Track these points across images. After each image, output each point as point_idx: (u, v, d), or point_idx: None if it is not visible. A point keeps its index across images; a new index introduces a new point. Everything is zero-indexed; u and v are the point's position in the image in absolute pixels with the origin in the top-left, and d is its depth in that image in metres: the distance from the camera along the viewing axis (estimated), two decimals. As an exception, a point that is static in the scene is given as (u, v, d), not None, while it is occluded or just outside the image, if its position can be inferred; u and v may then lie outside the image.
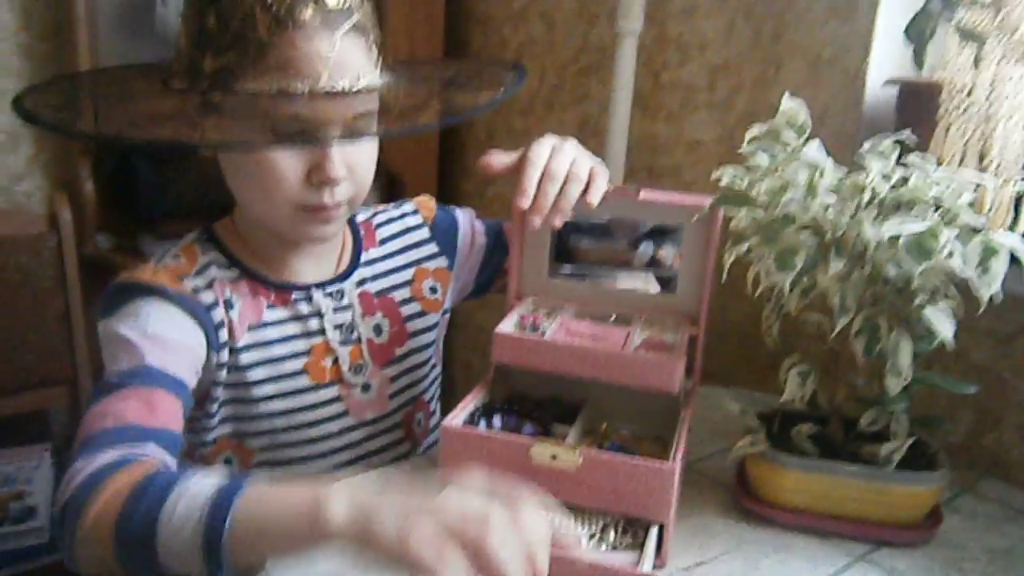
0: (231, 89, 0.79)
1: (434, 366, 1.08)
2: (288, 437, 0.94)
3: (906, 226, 0.71)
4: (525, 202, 0.84)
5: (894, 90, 1.06)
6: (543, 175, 0.85)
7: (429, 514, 0.55)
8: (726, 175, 0.81)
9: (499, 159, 0.89)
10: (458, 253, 1.08)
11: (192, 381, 0.85)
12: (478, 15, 1.64)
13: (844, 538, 0.82)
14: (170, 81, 0.84)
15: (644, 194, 0.88)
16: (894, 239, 0.72)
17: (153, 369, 0.80)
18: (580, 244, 1.13)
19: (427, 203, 1.10)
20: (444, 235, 1.07)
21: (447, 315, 1.09)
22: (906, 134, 0.78)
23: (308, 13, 0.78)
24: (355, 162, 0.86)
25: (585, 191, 0.86)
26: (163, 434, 0.76)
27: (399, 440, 1.03)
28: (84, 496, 0.67)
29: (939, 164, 0.79)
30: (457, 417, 0.82)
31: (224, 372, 0.89)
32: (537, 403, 0.93)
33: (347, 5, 0.80)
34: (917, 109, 0.97)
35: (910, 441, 0.80)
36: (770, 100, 0.78)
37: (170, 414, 0.79)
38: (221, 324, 0.88)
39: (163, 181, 1.75)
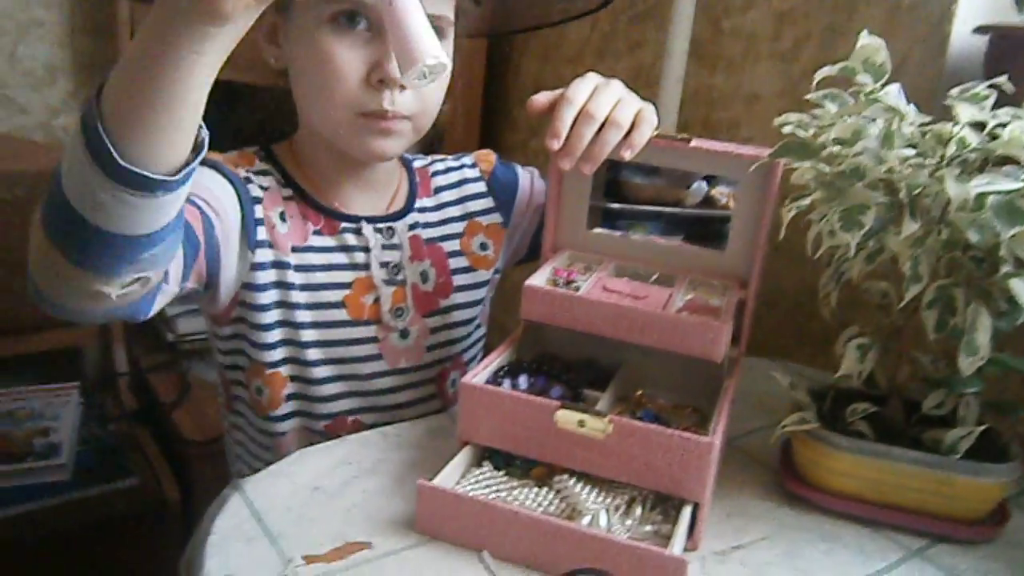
0: None
1: (478, 326, 1.04)
2: (319, 372, 0.91)
3: (996, 184, 0.62)
4: (556, 143, 0.77)
5: (984, 39, 0.95)
6: (580, 115, 0.77)
7: None
8: (789, 123, 0.72)
9: (542, 98, 0.82)
10: (515, 212, 1.03)
11: (219, 231, 0.79)
12: (529, -44, 1.55)
13: (898, 530, 0.74)
14: None
15: (696, 143, 0.80)
16: (981, 199, 0.63)
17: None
18: (631, 179, 1.07)
19: (487, 157, 1.06)
20: (502, 191, 1.03)
21: (498, 275, 1.05)
22: (1002, 80, 0.68)
23: None
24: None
25: (627, 137, 0.78)
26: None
27: (430, 396, 0.98)
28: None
29: (1035, 119, 0.70)
30: (479, 375, 0.76)
31: (267, 282, 0.86)
32: (569, 365, 0.86)
33: None
34: (1012, 58, 0.87)
35: (980, 429, 0.72)
36: (840, 51, 0.69)
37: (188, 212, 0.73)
38: (261, 221, 0.85)
39: (220, 115, 1.71)
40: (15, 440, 1.48)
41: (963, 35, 0.99)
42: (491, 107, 1.72)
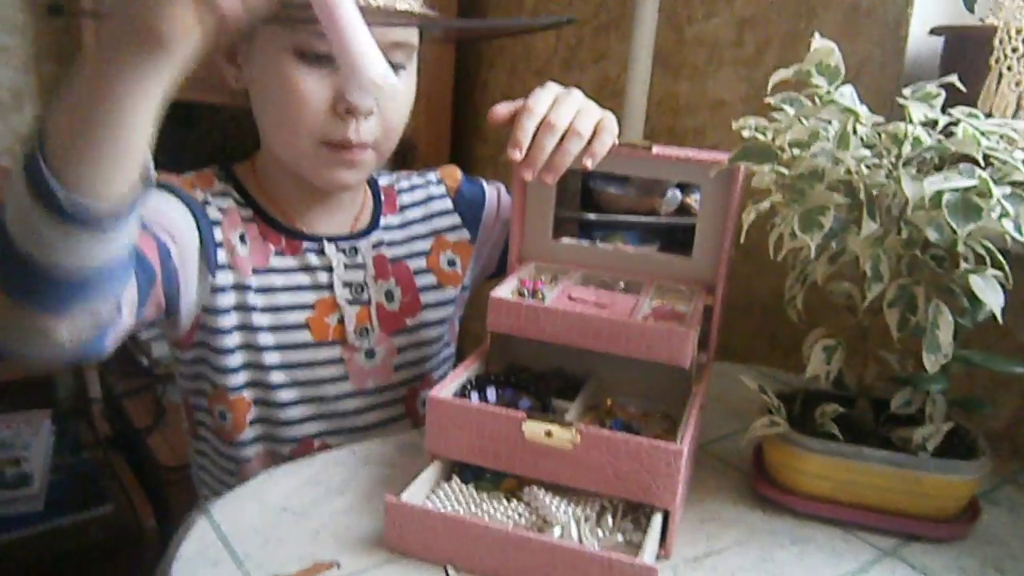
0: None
1: (447, 344, 1.03)
2: (284, 395, 0.90)
3: (951, 182, 0.63)
4: (517, 154, 0.77)
5: (939, 41, 0.96)
6: (541, 125, 0.77)
7: None
8: (748, 127, 0.73)
9: (503, 108, 0.82)
10: (482, 228, 1.03)
11: (176, 257, 0.77)
12: (494, -29, 1.56)
13: (870, 531, 0.74)
14: None
15: (657, 150, 0.80)
16: (936, 197, 0.64)
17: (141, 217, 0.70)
18: (606, 189, 1.07)
19: (453, 173, 1.05)
20: (468, 207, 1.02)
21: (466, 292, 1.04)
22: (952, 78, 0.69)
23: None
24: (385, 105, 0.82)
25: (588, 146, 0.78)
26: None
27: (399, 416, 0.97)
28: None
29: (988, 116, 0.70)
30: (446, 388, 0.75)
31: (228, 305, 0.85)
32: (538, 376, 0.86)
33: None
34: (966, 59, 0.87)
35: (948, 426, 0.72)
36: (801, 55, 0.70)
37: (145, 243, 0.72)
38: (220, 244, 0.84)
39: (166, 136, 1.70)
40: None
41: (920, 37, 1.00)
42: (460, 120, 1.72)
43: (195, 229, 0.81)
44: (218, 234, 0.84)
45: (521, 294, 0.80)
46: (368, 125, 0.81)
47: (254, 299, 0.86)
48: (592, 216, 1.18)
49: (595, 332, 0.74)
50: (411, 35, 0.82)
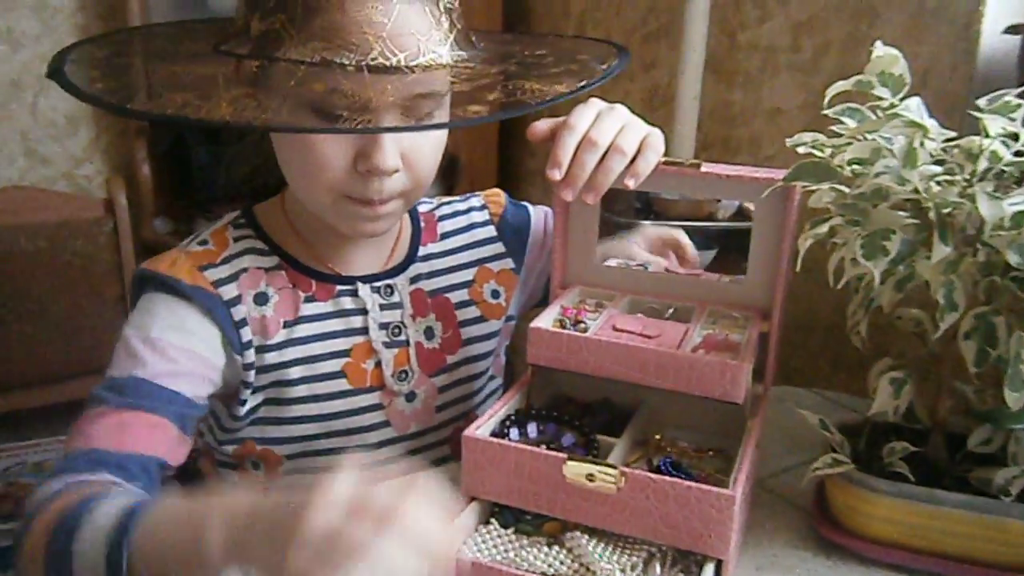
0: (272, 56, 0.70)
1: (492, 378, 0.98)
2: (321, 444, 0.85)
3: (1034, 202, 0.57)
4: (557, 173, 0.72)
5: (1015, 40, 0.89)
6: (581, 143, 0.72)
7: (298, 546, 0.50)
8: (803, 143, 0.67)
9: (543, 125, 0.77)
10: (527, 255, 0.97)
11: (197, 390, 0.77)
12: (540, -21, 1.52)
13: (947, 581, 0.68)
14: (222, 44, 0.75)
15: (707, 168, 0.75)
16: (1018, 218, 0.58)
17: (142, 383, 0.74)
18: (660, 195, 1.03)
19: (497, 198, 0.99)
20: (513, 234, 0.97)
21: (512, 323, 0.98)
22: (1036, 86, 0.63)
23: None
24: (412, 151, 0.75)
25: (631, 165, 0.73)
26: (127, 459, 0.71)
27: (445, 458, 0.92)
28: (22, 530, 0.66)
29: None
30: (483, 425, 0.72)
31: (253, 373, 0.81)
32: (584, 407, 0.82)
33: None
34: (1045, 61, 0.80)
35: (1034, 467, 0.66)
36: (862, 60, 0.64)
37: (143, 437, 0.73)
38: (243, 322, 0.80)
39: (217, 162, 1.72)
40: (41, 493, 1.47)
41: (993, 36, 0.93)
42: (508, 134, 1.69)
43: (215, 334, 0.79)
44: (238, 313, 0.80)
45: (563, 324, 0.76)
46: (393, 181, 0.75)
47: (283, 356, 0.82)
48: (649, 223, 1.14)
49: (641, 365, 0.70)
50: (439, 83, 0.74)
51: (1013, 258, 0.60)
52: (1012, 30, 0.89)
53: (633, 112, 0.77)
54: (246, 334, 0.80)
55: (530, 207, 1.01)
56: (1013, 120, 0.60)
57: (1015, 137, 0.60)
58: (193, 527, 0.57)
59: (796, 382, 1.12)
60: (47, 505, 0.65)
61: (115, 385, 0.74)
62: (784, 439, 0.88)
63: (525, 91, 0.78)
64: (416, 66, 0.70)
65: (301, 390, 0.83)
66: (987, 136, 0.59)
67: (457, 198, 0.99)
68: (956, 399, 0.71)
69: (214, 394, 0.81)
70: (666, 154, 0.77)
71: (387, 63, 0.69)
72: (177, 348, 0.76)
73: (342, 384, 0.84)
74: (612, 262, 0.86)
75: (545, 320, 0.76)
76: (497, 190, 1.01)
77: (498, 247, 0.96)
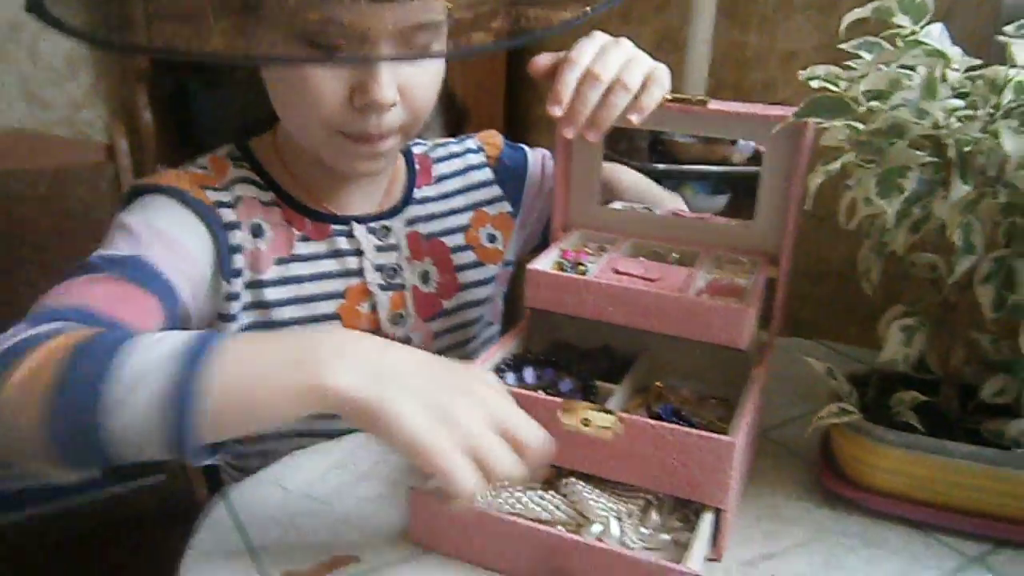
0: None
1: (489, 324, 0.97)
2: None
3: (1061, 136, 0.53)
4: (558, 109, 0.69)
5: (1046, -26, 0.84)
6: (584, 77, 0.69)
7: (456, 419, 0.51)
8: (816, 76, 0.64)
9: (544, 59, 0.74)
10: (524, 198, 0.95)
11: (187, 293, 0.73)
12: (549, -83, 1.47)
13: (954, 535, 0.66)
14: None
15: (714, 105, 0.72)
16: (1043, 154, 0.54)
17: (146, 263, 0.70)
18: (674, 137, 1.00)
19: (493, 140, 0.97)
20: (510, 177, 0.95)
21: (509, 268, 0.97)
22: (1067, 12, 0.59)
23: None
24: (410, 84, 0.73)
25: (635, 101, 0.70)
26: (122, 328, 0.63)
27: None
28: (7, 361, 0.54)
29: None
30: (478, 368, 0.70)
31: (238, 307, 0.79)
32: (583, 354, 0.79)
33: None
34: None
35: (1049, 418, 0.63)
36: (883, -2, 0.60)
37: (142, 313, 0.67)
38: (238, 249, 0.78)
39: (218, 105, 1.68)
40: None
41: (1023, -29, 0.88)
42: (515, 79, 1.64)
43: (211, 243, 0.76)
44: (233, 238, 0.78)
45: (562, 266, 0.74)
46: (390, 115, 0.73)
47: (275, 293, 0.80)
48: (661, 166, 1.11)
49: (642, 309, 0.67)
50: (437, 13, 0.71)
51: (1037, 198, 0.57)
52: (1043, -38, 0.84)
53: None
54: (237, 261, 0.78)
55: (527, 149, 0.98)
56: (1042, 46, 0.56)
57: (1043, 66, 0.56)
58: (304, 364, 0.52)
59: (805, 334, 1.09)
60: (48, 339, 0.55)
61: (115, 260, 0.69)
62: (790, 389, 0.85)
63: (529, 18, 0.75)
64: None
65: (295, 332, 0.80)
66: (1013, 66, 0.55)
67: (452, 140, 0.96)
68: (970, 349, 0.69)
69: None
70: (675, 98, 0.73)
71: None
72: (179, 243, 0.74)
73: (336, 327, 0.82)
74: (616, 204, 0.83)
75: (544, 262, 0.73)
76: (493, 131, 0.99)
77: (494, 190, 0.94)
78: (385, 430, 0.51)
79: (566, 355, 0.78)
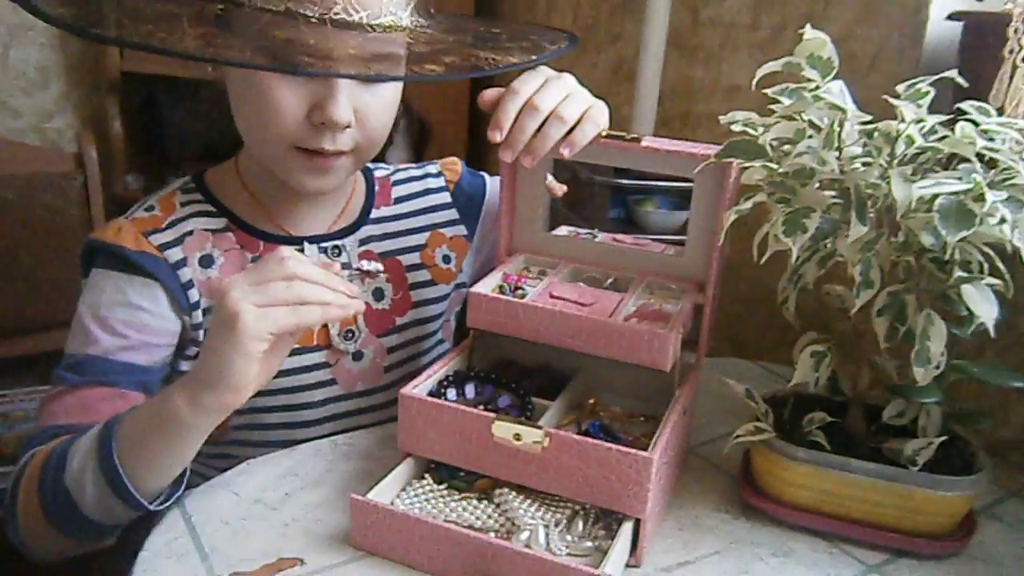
0: (237, 1, 0.71)
1: (441, 341, 1.00)
2: (266, 401, 0.86)
3: (943, 186, 0.59)
4: (498, 135, 0.75)
5: (959, 27, 0.91)
6: (524, 107, 0.75)
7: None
8: (736, 121, 0.69)
9: (491, 93, 0.79)
10: (481, 223, 0.99)
11: (162, 354, 0.81)
12: (513, -52, 1.52)
13: (857, 545, 0.72)
14: None
15: (647, 142, 0.77)
16: (930, 200, 0.60)
17: (96, 360, 0.78)
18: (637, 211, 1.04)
19: (453, 166, 1.01)
20: (467, 201, 0.99)
21: (463, 289, 1.00)
22: (952, 73, 0.65)
23: None
24: (365, 109, 0.77)
25: (569, 134, 0.76)
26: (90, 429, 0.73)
27: (394, 417, 0.94)
28: (15, 492, 0.72)
29: (1000, 113, 0.66)
30: (421, 384, 0.74)
31: (202, 333, 0.82)
32: (523, 372, 0.84)
33: None
34: (984, 47, 0.82)
35: (939, 440, 0.69)
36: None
37: (104, 409, 0.75)
38: (190, 284, 0.82)
39: (187, 118, 1.71)
40: (7, 443, 1.49)
41: (939, 22, 0.94)
42: (478, 105, 1.69)
43: (164, 300, 0.81)
44: (184, 275, 0.82)
45: (502, 289, 0.79)
46: (345, 136, 0.77)
47: None
48: (625, 181, 1.15)
49: (574, 331, 0.72)
50: (397, 45, 0.75)
51: (926, 239, 0.62)
52: (954, 17, 0.91)
53: (599, 84, 0.79)
54: (193, 295, 0.82)
55: (487, 177, 1.02)
56: (920, 107, 0.62)
57: (923, 123, 0.62)
58: (159, 399, 0.67)
59: (746, 354, 1.14)
60: (24, 471, 0.72)
61: (72, 364, 0.78)
62: (722, 408, 0.91)
63: (480, 59, 0.80)
64: (377, 25, 0.72)
65: None
66: (902, 121, 0.61)
67: (414, 165, 1.00)
68: (877, 373, 0.74)
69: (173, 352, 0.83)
70: (627, 128, 0.79)
71: (349, 18, 0.70)
72: (125, 323, 0.79)
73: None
74: (560, 231, 0.88)
75: (485, 286, 0.78)
76: (454, 158, 1.03)
77: (452, 213, 0.98)
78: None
79: (508, 372, 0.82)
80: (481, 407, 0.72)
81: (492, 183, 1.02)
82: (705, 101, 1.21)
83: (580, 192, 1.18)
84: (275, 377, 0.83)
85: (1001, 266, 0.63)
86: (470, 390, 0.77)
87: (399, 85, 0.82)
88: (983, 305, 0.60)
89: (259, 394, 0.84)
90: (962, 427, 0.72)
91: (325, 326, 0.87)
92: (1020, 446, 0.90)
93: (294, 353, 0.86)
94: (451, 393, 0.76)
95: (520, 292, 0.77)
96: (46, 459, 0.71)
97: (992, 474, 0.71)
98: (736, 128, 0.70)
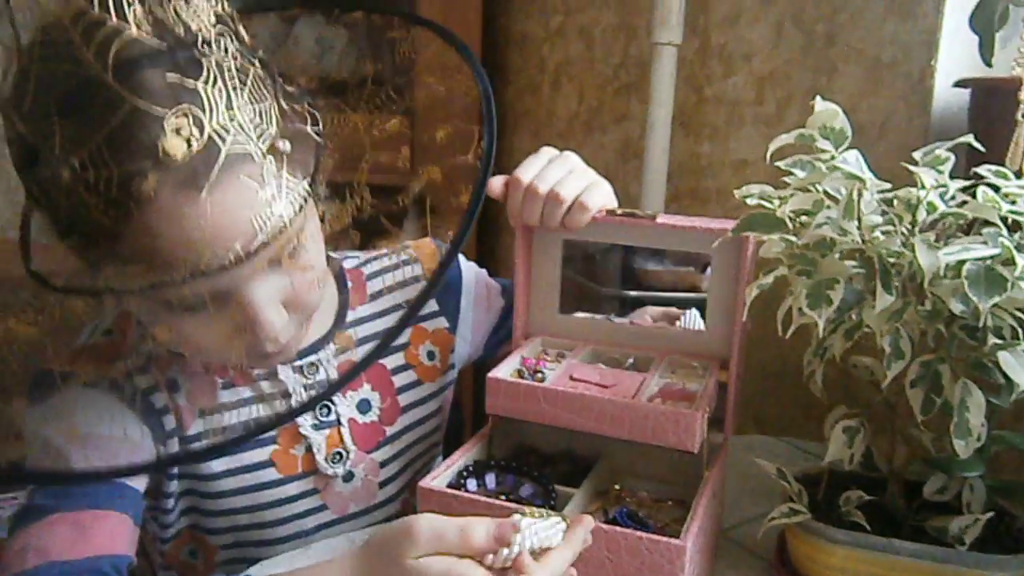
0: (93, 287, 0.61)
1: (437, 444, 0.94)
2: (253, 536, 0.81)
3: (971, 251, 0.58)
4: (514, 223, 0.75)
5: (966, 93, 0.91)
6: (525, 194, 0.77)
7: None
8: (752, 194, 0.68)
9: (497, 182, 0.79)
10: (461, 314, 0.92)
11: (137, 480, 0.73)
12: (515, 36, 1.55)
13: (906, 632, 0.67)
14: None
15: (662, 219, 0.77)
16: (956, 267, 0.58)
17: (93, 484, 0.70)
18: (645, 266, 1.03)
19: (428, 251, 0.93)
20: (445, 292, 0.92)
21: (453, 371, 0.93)
22: (968, 138, 0.64)
23: (150, 184, 0.55)
24: (294, 292, 0.68)
25: (565, 217, 0.77)
26: (99, 562, 0.66)
27: None
28: None
29: (1018, 176, 0.65)
30: (440, 476, 0.72)
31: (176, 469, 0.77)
32: (545, 458, 0.82)
33: (209, 138, 0.56)
34: (992, 112, 0.82)
35: (987, 516, 0.65)
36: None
37: (107, 534, 0.68)
38: (165, 410, 0.75)
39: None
40: None
41: (946, 89, 0.95)
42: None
43: (150, 437, 0.74)
44: (159, 400, 0.75)
45: (521, 373, 0.77)
46: (283, 332, 0.69)
47: (201, 447, 0.77)
48: (632, 293, 1.14)
49: (596, 415, 0.70)
50: (291, 239, 0.64)
51: (956, 307, 0.60)
52: (962, 84, 0.91)
53: (606, 165, 0.79)
54: (169, 422, 0.75)
55: (463, 264, 0.94)
56: (941, 172, 0.61)
57: (945, 189, 0.61)
58: None
59: (770, 430, 1.11)
60: None
61: (54, 491, 0.68)
62: (751, 489, 0.87)
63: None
64: (259, 246, 0.60)
65: (228, 483, 0.78)
66: (922, 187, 0.60)
67: (384, 252, 0.91)
68: (913, 446, 0.71)
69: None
70: (637, 206, 0.79)
71: (224, 263, 0.59)
72: (106, 437, 0.71)
73: (271, 474, 0.79)
74: (577, 313, 0.87)
75: (504, 370, 0.76)
76: (427, 240, 0.94)
77: (431, 305, 0.91)
78: None
79: (529, 459, 0.80)
80: (503, 498, 0.69)
81: (466, 267, 0.94)
82: (714, 177, 1.21)
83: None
84: (260, 510, 0.79)
85: (1036, 331, 0.61)
86: (491, 480, 0.74)
87: (322, 248, 0.73)
88: (1022, 372, 0.58)
89: (243, 528, 0.80)
90: (1008, 501, 0.69)
91: (310, 450, 0.80)
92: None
93: (278, 484, 0.80)
94: (471, 484, 0.73)
95: (540, 376, 0.75)
96: None
97: (1045, 551, 0.67)
98: (751, 201, 0.69)
